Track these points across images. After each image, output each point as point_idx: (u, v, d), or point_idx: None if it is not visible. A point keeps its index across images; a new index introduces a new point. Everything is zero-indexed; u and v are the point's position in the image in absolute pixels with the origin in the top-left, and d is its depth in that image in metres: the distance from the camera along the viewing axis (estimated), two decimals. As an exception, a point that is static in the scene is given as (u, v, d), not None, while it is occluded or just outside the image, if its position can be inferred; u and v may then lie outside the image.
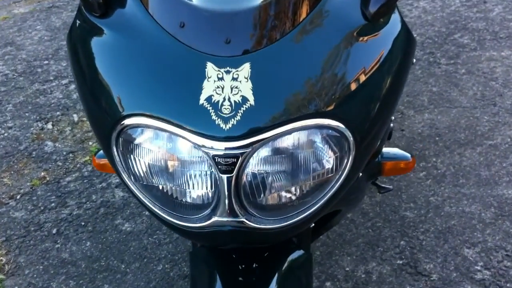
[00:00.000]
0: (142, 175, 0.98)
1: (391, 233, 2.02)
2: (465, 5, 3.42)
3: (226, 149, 0.87)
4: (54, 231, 2.11)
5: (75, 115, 2.69)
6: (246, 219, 0.95)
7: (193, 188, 0.95)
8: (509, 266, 1.88)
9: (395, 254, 1.95)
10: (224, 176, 0.90)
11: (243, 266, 1.19)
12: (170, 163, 0.94)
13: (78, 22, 1.09)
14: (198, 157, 0.91)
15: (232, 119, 0.87)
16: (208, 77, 0.88)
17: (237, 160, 0.88)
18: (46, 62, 3.10)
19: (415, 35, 2.89)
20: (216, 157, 0.88)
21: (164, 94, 0.91)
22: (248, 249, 1.21)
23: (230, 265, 1.19)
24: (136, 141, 0.95)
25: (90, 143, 2.52)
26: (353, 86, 0.94)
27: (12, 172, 2.39)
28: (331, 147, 0.94)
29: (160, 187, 0.97)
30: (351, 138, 0.93)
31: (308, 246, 1.30)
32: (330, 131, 0.92)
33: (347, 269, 1.91)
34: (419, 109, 2.60)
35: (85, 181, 2.32)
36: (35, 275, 1.95)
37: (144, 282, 1.89)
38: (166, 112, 0.90)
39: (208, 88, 0.88)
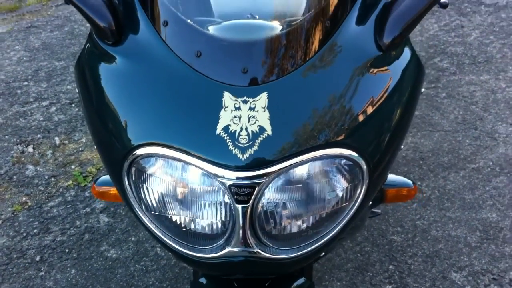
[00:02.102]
0: (155, 205, 0.96)
1: (380, 258, 2.03)
2: (443, 29, 3.49)
3: (243, 178, 0.87)
4: (38, 258, 2.06)
5: (56, 138, 2.64)
6: (260, 250, 0.94)
7: (207, 218, 0.94)
8: (496, 290, 1.90)
9: (384, 279, 1.95)
10: (239, 206, 0.89)
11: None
12: (184, 193, 0.93)
13: (88, 49, 1.07)
14: (213, 187, 0.90)
15: (250, 149, 0.86)
16: (225, 107, 0.88)
17: (253, 190, 0.88)
18: (25, 83, 3.06)
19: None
20: (233, 187, 0.88)
21: (180, 124, 0.90)
22: (251, 279, 1.19)
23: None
24: (149, 171, 0.94)
25: (73, 166, 2.48)
26: (366, 116, 0.95)
27: (-7, 197, 2.34)
28: (345, 176, 0.95)
29: (173, 217, 0.96)
30: (365, 167, 0.94)
31: (310, 274, 1.30)
32: (344, 160, 0.93)
33: (337, 294, 1.90)
34: (402, 133, 2.63)
35: (68, 206, 2.28)
36: (18, 305, 1.90)
37: (132, 310, 1.86)
38: (181, 142, 0.89)
39: (225, 118, 0.87)
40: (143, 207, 0.98)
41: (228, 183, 0.87)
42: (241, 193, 0.88)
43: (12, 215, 2.25)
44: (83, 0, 1.00)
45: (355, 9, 1.01)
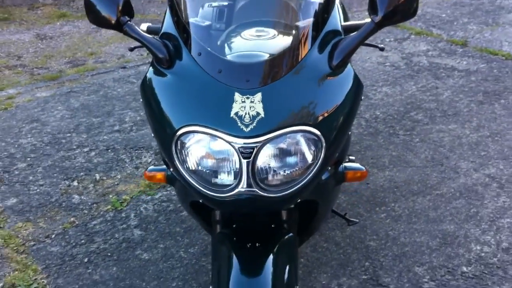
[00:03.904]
0: (192, 164, 1.54)
1: (358, 257, 2.54)
2: (420, 90, 4.12)
3: (246, 143, 1.45)
4: (86, 260, 2.59)
5: (97, 175, 3.23)
6: (258, 190, 1.50)
7: (224, 170, 1.51)
8: (450, 278, 2.40)
9: (361, 272, 2.46)
10: (245, 161, 1.47)
11: (249, 244, 1.72)
12: (210, 155, 1.51)
13: (151, 71, 1.69)
14: (228, 149, 1.48)
15: (251, 125, 1.45)
16: (235, 101, 1.47)
17: (253, 150, 1.46)
18: (68, 134, 3.68)
19: (378, 113, 3.55)
20: (241, 149, 1.46)
21: (208, 111, 1.50)
22: (253, 231, 1.75)
23: (240, 243, 1.73)
24: (188, 143, 1.53)
25: (111, 196, 3.04)
26: (325, 109, 1.54)
27: (46, 218, 2.89)
28: (311, 145, 1.53)
29: (202, 170, 1.53)
30: (323, 140, 1.52)
31: (295, 230, 1.83)
32: (310, 134, 1.51)
33: (323, 282, 2.41)
34: (381, 168, 3.19)
35: (108, 223, 2.83)
36: (72, 292, 2.41)
37: (162, 294, 2.37)
38: (209, 122, 1.48)
39: (235, 107, 1.47)
40: (185, 166, 1.56)
41: (237, 146, 1.46)
42: (246, 152, 1.46)
43: (63, 231, 2.80)
44: (148, 41, 1.63)
45: (316, 44, 1.63)
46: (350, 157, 2.05)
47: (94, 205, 2.98)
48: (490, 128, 3.58)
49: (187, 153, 1.54)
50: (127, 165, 3.33)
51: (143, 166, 3.29)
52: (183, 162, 1.56)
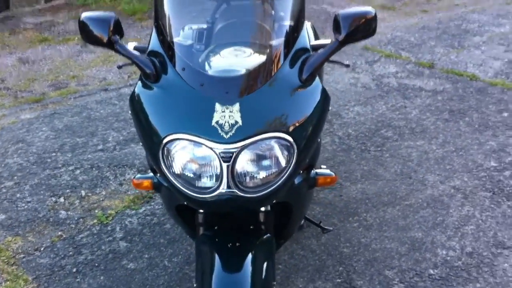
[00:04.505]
0: (176, 168, 1.70)
1: (333, 263, 2.72)
2: (389, 109, 4.35)
3: (226, 149, 1.63)
4: (74, 270, 2.72)
5: (82, 191, 3.36)
6: (237, 191, 1.68)
7: (206, 173, 1.68)
8: (418, 280, 2.59)
9: (335, 276, 2.63)
10: (225, 164, 1.64)
11: (230, 244, 1.89)
12: (193, 160, 1.68)
13: (139, 85, 1.86)
14: (210, 154, 1.65)
15: (230, 133, 1.63)
16: (216, 111, 1.66)
17: (232, 155, 1.63)
18: (53, 154, 3.81)
19: (351, 131, 3.75)
20: (221, 153, 1.63)
21: (191, 120, 1.68)
22: (233, 231, 1.91)
23: (222, 243, 1.89)
24: (174, 149, 1.69)
25: (96, 211, 3.17)
26: (296, 117, 1.73)
27: (35, 232, 3.01)
28: (284, 150, 1.71)
29: (187, 174, 1.70)
30: (295, 146, 1.71)
31: (271, 231, 2.00)
32: (283, 140, 1.69)
33: (300, 286, 2.57)
34: (354, 181, 3.39)
35: (95, 236, 2.96)
36: (62, 300, 2.53)
37: (148, 300, 2.51)
38: (192, 130, 1.66)
39: (216, 117, 1.65)
40: (171, 171, 1.72)
41: (218, 151, 1.63)
42: (226, 157, 1.64)
43: (51, 244, 2.92)
44: (137, 58, 1.82)
45: (287, 60, 1.83)
46: (322, 166, 2.24)
47: (81, 219, 3.11)
48: (455, 143, 3.80)
49: (173, 158, 1.71)
50: (111, 182, 3.46)
51: (127, 182, 3.43)
52: (169, 167, 1.73)
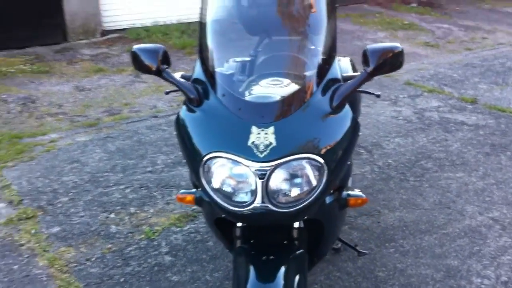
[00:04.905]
0: (215, 183, 1.87)
1: (367, 285, 2.80)
2: (430, 141, 4.43)
3: (261, 167, 1.78)
4: (122, 279, 2.89)
5: (132, 208, 3.55)
6: (270, 205, 1.82)
7: (242, 189, 1.84)
8: (451, 305, 2.64)
9: (370, 297, 2.71)
10: (260, 181, 1.79)
11: (265, 257, 2.03)
12: (231, 176, 1.84)
13: (184, 109, 2.05)
14: (246, 172, 1.81)
15: (264, 152, 1.79)
16: (252, 133, 1.82)
17: (267, 173, 1.79)
18: (106, 174, 4.03)
19: (390, 161, 3.85)
20: (256, 171, 1.79)
21: (230, 141, 1.86)
22: (268, 246, 2.05)
23: (257, 256, 2.03)
24: (213, 167, 1.86)
25: (144, 227, 3.35)
26: (327, 141, 1.88)
27: (87, 244, 3.21)
28: (315, 171, 1.85)
29: (225, 189, 1.85)
30: (325, 166, 1.85)
31: (304, 248, 2.12)
32: (315, 162, 1.84)
33: (336, 305, 2.67)
34: (392, 209, 3.47)
35: (142, 250, 3.13)
36: (109, 307, 2.70)
37: (190, 311, 2.65)
38: (230, 149, 1.83)
39: (252, 138, 1.81)
40: (210, 186, 1.88)
41: (253, 169, 1.80)
42: (260, 174, 1.79)
43: (102, 255, 3.10)
44: (182, 85, 2.02)
45: (319, 88, 1.99)
46: (355, 189, 2.35)
47: (129, 234, 3.29)
48: (496, 176, 3.85)
49: (212, 174, 1.88)
50: (159, 201, 3.65)
51: (173, 202, 3.61)
52: (209, 182, 1.89)
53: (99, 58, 7.27)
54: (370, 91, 2.41)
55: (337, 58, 2.71)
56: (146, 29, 8.23)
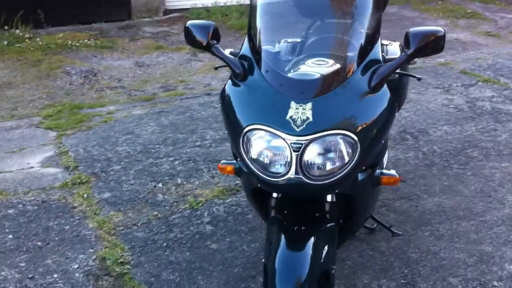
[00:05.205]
0: (253, 154, 1.98)
1: (399, 265, 2.87)
2: (479, 131, 4.39)
3: (296, 140, 1.88)
4: (164, 244, 3.07)
5: (179, 179, 3.73)
6: (303, 177, 1.92)
7: (278, 160, 1.94)
8: (480, 289, 2.68)
9: (400, 277, 2.78)
10: (294, 154, 1.90)
11: (296, 227, 2.13)
12: (268, 148, 1.95)
13: (229, 82, 2.17)
14: (282, 145, 1.91)
15: (301, 127, 1.89)
16: (291, 108, 1.92)
17: (301, 146, 1.89)
18: (157, 146, 4.23)
19: (436, 148, 3.86)
20: (292, 144, 1.89)
21: (269, 115, 1.96)
22: (300, 216, 2.15)
23: (289, 225, 2.14)
24: (253, 138, 1.97)
25: (189, 197, 3.52)
26: (362, 119, 1.96)
27: (134, 210, 3.41)
28: (348, 145, 1.94)
29: (261, 159, 1.97)
30: (358, 144, 1.93)
31: (336, 221, 2.21)
32: (348, 138, 1.93)
33: (365, 281, 2.75)
34: (431, 194, 3.51)
35: (185, 218, 3.30)
36: (151, 268, 2.88)
37: (225, 277, 2.79)
38: (269, 122, 1.93)
39: (290, 112, 1.92)
40: (248, 156, 2.00)
41: (289, 142, 1.90)
42: (295, 147, 1.89)
43: (147, 221, 3.29)
44: (229, 60, 2.13)
45: (359, 68, 2.06)
46: (391, 170, 2.41)
47: (175, 203, 3.47)
48: (543, 169, 3.80)
49: (251, 145, 2.00)
50: (204, 174, 3.81)
51: (218, 176, 3.76)
52: (247, 152, 2.01)
53: (159, 36, 7.51)
54: (412, 74, 2.46)
55: (387, 42, 2.80)
56: (207, 9, 8.41)
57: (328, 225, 2.17)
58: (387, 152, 2.54)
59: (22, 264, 2.91)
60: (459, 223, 3.21)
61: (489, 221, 3.23)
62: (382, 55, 2.22)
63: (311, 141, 1.90)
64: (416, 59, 2.18)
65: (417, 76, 2.35)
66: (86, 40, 6.97)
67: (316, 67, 2.11)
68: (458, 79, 5.56)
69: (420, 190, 3.55)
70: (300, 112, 1.91)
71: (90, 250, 3.03)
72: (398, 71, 2.16)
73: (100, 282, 2.78)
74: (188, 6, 8.45)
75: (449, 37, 7.08)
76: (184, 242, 3.09)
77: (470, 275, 2.79)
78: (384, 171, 2.28)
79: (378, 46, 2.20)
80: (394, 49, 2.89)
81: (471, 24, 7.87)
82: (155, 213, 3.38)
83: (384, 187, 2.78)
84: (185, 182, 3.71)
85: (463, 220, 3.24)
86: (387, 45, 2.86)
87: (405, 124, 4.43)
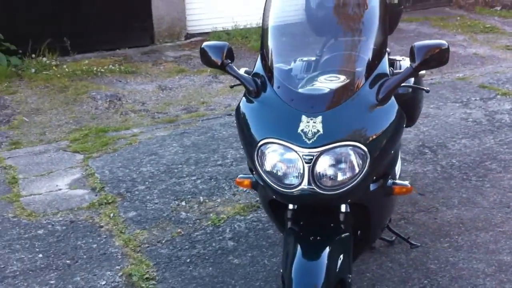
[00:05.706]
0: (267, 166, 2.08)
1: (418, 276, 2.91)
2: (498, 143, 4.42)
3: (309, 152, 1.97)
4: (188, 260, 3.16)
5: (201, 197, 3.84)
6: (316, 188, 2.00)
7: (291, 172, 2.03)
8: (499, 299, 2.71)
9: (419, 287, 2.82)
10: (307, 165, 1.99)
11: (312, 237, 2.21)
12: (281, 160, 2.04)
13: (243, 100, 2.28)
14: (295, 157, 2.00)
15: (312, 139, 1.98)
16: (302, 121, 2.02)
17: (313, 158, 1.97)
18: (180, 166, 4.35)
19: (454, 161, 3.91)
20: (304, 156, 1.98)
21: (281, 128, 2.06)
22: (316, 227, 2.23)
23: (305, 236, 2.21)
24: (266, 151, 2.07)
25: (211, 215, 3.62)
26: (371, 131, 2.04)
27: (159, 228, 3.51)
28: (358, 158, 2.02)
29: (275, 172, 2.06)
30: (368, 154, 2.01)
31: (350, 231, 2.28)
32: (358, 149, 2.01)
33: (384, 292, 2.80)
34: (450, 207, 3.54)
35: (207, 235, 3.39)
36: (176, 283, 2.97)
37: (247, 291, 2.88)
38: (282, 136, 2.03)
39: (301, 126, 2.01)
40: (263, 168, 2.09)
41: (301, 154, 1.99)
42: (307, 159, 1.98)
43: (171, 238, 3.39)
44: (243, 78, 2.24)
45: (367, 82, 2.14)
46: (404, 181, 2.47)
47: (197, 220, 3.57)
48: (562, 179, 3.81)
49: (265, 158, 2.10)
50: (226, 192, 3.91)
51: (239, 193, 3.86)
52: (262, 165, 2.11)
53: (181, 59, 7.68)
54: (420, 87, 2.54)
55: (400, 58, 2.90)
56: (227, 32, 8.57)
57: (343, 235, 2.25)
58: (399, 163, 2.61)
59: (52, 282, 3.02)
60: (478, 234, 3.24)
61: (508, 232, 3.25)
62: (390, 69, 2.31)
63: (322, 152, 1.99)
64: (424, 71, 2.26)
65: (425, 88, 2.42)
66: (110, 66, 7.16)
67: (327, 83, 2.21)
68: (476, 93, 5.60)
69: (439, 203, 3.59)
70: (311, 125, 2.01)
71: (117, 267, 3.13)
72: (407, 84, 2.25)
73: (127, 297, 2.89)
74: (209, 30, 8.62)
75: (467, 52, 7.16)
76: (207, 257, 3.18)
77: (489, 284, 2.82)
78: (397, 181, 2.35)
79: (385, 60, 2.29)
80: (406, 64, 2.98)
81: (489, 39, 7.89)
82: (179, 230, 3.48)
83: (401, 199, 2.84)
84: (207, 200, 3.81)
85: (481, 231, 3.27)
86: (400, 60, 2.95)
87: (423, 139, 4.48)
